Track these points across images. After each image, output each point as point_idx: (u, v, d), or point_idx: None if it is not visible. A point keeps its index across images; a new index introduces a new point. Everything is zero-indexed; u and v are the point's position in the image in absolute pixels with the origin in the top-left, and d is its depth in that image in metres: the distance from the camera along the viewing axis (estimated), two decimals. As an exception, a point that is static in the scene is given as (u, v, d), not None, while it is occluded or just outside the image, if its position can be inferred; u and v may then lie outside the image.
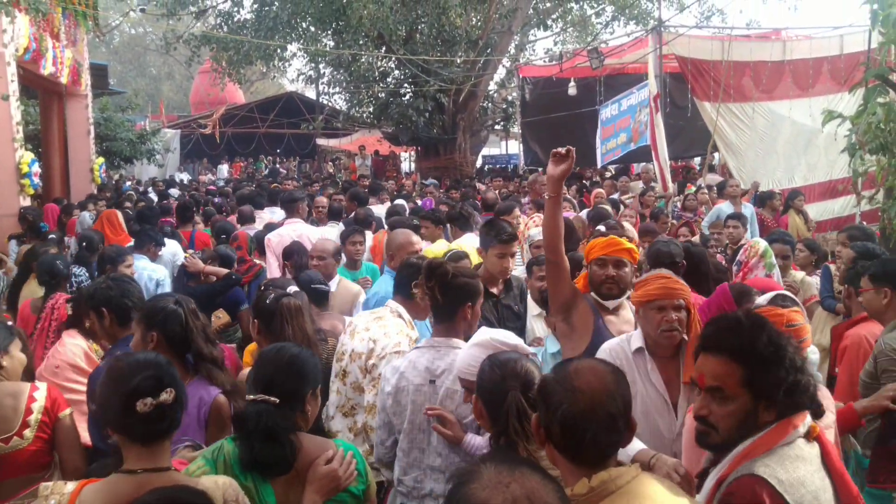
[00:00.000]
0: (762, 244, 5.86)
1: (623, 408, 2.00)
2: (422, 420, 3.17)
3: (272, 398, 2.51)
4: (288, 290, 4.03)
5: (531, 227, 7.55)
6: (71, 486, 2.28)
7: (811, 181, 13.49)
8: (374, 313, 4.08)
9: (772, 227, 10.20)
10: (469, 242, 6.61)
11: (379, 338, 3.79)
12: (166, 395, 2.31)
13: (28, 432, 3.35)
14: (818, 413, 2.29)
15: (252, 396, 2.54)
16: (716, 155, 19.73)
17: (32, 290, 5.90)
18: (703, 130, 15.31)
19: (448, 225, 7.79)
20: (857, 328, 4.32)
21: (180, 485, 2.19)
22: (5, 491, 3.20)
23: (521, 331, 4.92)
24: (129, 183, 23.34)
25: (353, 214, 8.71)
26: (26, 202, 10.10)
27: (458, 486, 1.48)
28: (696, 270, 4.77)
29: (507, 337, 2.90)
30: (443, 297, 3.31)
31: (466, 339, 3.23)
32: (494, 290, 4.91)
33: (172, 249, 7.67)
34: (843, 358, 4.22)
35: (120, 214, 9.68)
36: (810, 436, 2.20)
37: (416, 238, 5.44)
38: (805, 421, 2.20)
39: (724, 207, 9.94)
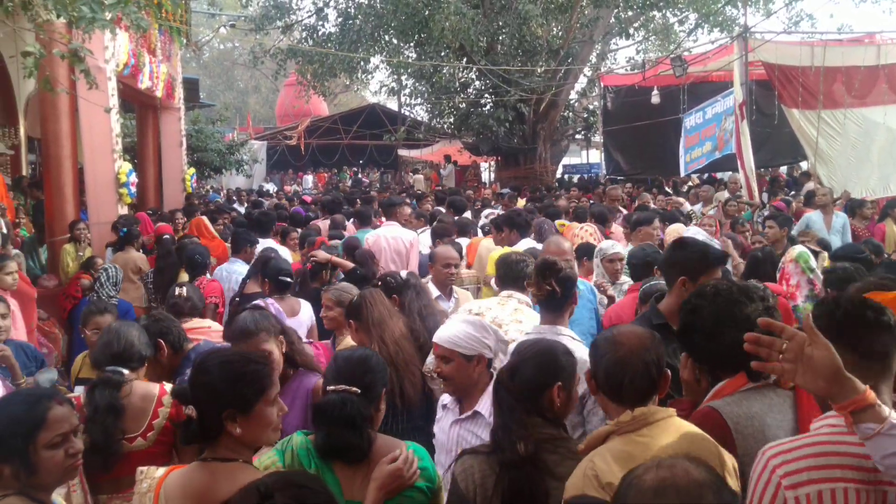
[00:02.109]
0: (796, 249, 5.69)
1: (656, 359, 2.43)
2: None
3: (354, 388, 2.60)
4: (402, 273, 4.85)
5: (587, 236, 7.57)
6: (161, 471, 2.42)
7: (907, 190, 13.00)
8: (502, 302, 4.43)
9: (864, 237, 9.85)
10: (524, 247, 6.58)
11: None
12: (188, 411, 2.49)
13: (151, 435, 3.44)
14: None
15: (333, 387, 2.64)
16: (803, 164, 19.22)
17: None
18: (790, 139, 14.91)
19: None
20: None
21: (299, 471, 2.31)
22: (122, 485, 3.32)
23: None
24: (212, 192, 24.04)
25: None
26: (124, 211, 10.54)
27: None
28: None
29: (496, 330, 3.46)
30: (560, 290, 3.76)
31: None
32: None
33: (283, 255, 7.87)
34: None
35: (208, 222, 10.08)
36: (782, 384, 2.53)
37: (567, 246, 5.59)
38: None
39: (814, 216, 9.65)
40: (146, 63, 11.89)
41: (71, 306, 7.56)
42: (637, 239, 6.82)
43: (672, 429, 2.35)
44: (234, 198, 21.44)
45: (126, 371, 3.51)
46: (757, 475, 2.06)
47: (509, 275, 4.55)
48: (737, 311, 2.58)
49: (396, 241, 7.51)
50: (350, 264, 6.48)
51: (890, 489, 1.96)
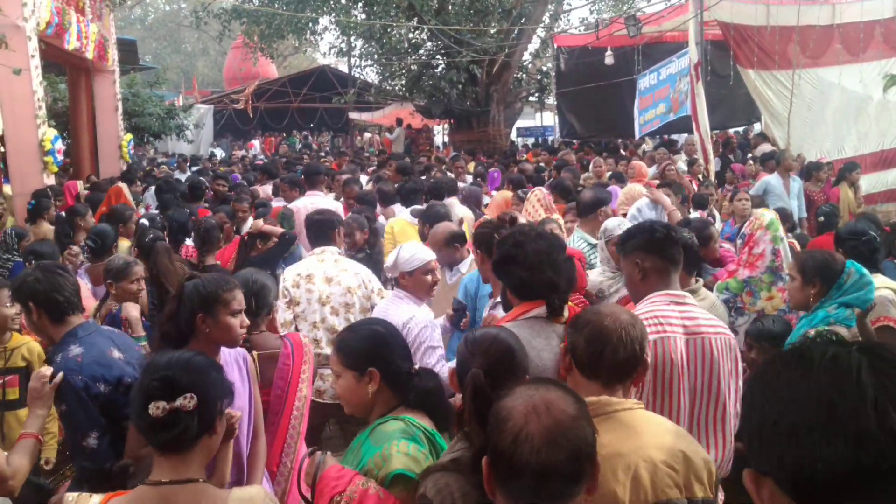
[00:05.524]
0: (768, 215, 5.31)
1: (640, 337, 2.33)
2: None
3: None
4: None
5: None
6: (96, 498, 2.18)
7: (862, 151, 12.82)
8: (322, 259, 4.92)
9: (819, 201, 9.67)
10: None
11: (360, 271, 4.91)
12: (184, 401, 2.09)
13: None
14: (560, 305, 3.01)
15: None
16: (756, 126, 19.09)
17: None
18: (745, 100, 14.75)
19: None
20: None
21: None
22: None
23: None
24: (148, 160, 23.04)
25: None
26: (50, 180, 9.92)
27: (498, 399, 1.75)
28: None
29: None
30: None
31: None
32: None
33: None
34: None
35: (126, 189, 9.48)
36: (556, 319, 2.97)
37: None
38: (541, 308, 2.97)
39: (772, 180, 9.45)
40: (72, 22, 11.16)
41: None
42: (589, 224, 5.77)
43: (627, 425, 2.21)
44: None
45: None
46: None
47: (320, 232, 5.01)
48: (553, 254, 3.05)
49: None
50: (279, 230, 6.30)
51: (703, 336, 2.89)
